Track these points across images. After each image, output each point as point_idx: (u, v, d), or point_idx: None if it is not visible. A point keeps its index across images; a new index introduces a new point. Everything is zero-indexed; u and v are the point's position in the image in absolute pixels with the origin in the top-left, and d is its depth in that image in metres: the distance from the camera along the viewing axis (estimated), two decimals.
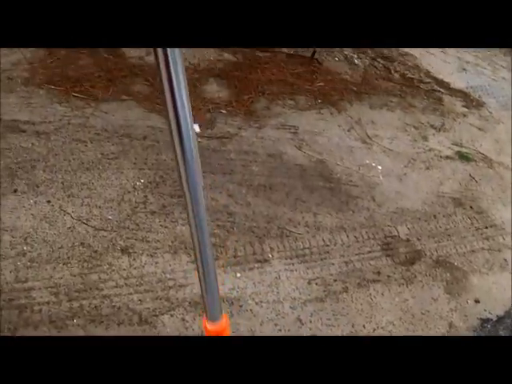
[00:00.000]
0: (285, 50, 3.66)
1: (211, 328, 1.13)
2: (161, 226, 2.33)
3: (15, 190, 2.40)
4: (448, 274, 2.40)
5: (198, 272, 1.04)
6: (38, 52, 3.29)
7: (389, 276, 2.32)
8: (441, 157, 3.13)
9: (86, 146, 2.64)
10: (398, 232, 2.54)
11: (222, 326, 1.13)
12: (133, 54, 3.36)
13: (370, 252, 2.41)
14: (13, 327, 1.93)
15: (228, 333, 1.17)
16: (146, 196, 2.44)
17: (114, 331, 1.89)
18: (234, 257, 2.27)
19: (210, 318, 1.11)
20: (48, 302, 2.01)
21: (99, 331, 1.93)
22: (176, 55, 0.77)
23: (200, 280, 1.05)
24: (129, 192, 2.44)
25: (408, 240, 2.51)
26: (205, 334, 1.16)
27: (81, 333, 1.93)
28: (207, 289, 1.06)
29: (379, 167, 2.90)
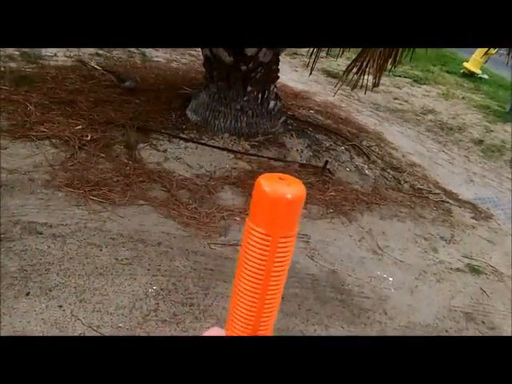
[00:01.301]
0: (298, 160, 3.78)
1: None
2: (171, 335, 2.31)
3: (28, 293, 2.41)
4: None
5: None
6: (59, 155, 3.42)
7: None
8: (451, 269, 3.14)
9: (100, 250, 2.68)
10: None
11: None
12: (151, 159, 3.48)
13: None
14: None
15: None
16: (157, 303, 2.44)
17: None
18: None
19: None
20: None
21: None
22: None
23: None
24: (141, 299, 2.45)
25: None
26: None
27: None
28: None
29: (390, 279, 2.90)
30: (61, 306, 2.37)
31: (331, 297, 2.67)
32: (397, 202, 3.64)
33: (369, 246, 3.11)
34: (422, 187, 3.94)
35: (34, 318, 2.31)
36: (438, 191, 3.95)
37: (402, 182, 3.92)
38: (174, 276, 2.59)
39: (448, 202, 3.86)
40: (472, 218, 3.77)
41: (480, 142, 5.60)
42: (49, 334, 2.23)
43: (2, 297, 2.38)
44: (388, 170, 4.02)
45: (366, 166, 3.97)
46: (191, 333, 2.33)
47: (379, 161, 4.12)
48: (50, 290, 2.43)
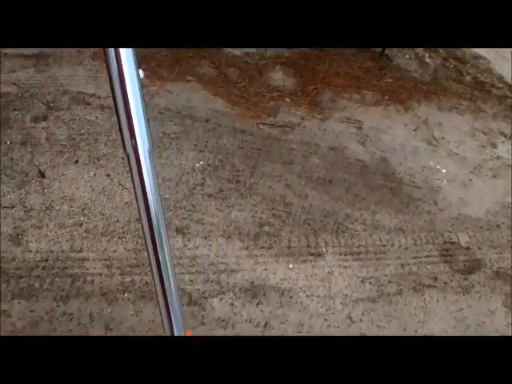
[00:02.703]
0: None
1: None
2: (217, 209, 2.31)
3: (76, 161, 2.42)
4: (507, 287, 2.29)
5: (154, 278, 0.95)
6: None
7: (445, 283, 2.23)
8: (508, 165, 2.99)
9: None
10: (458, 239, 2.44)
11: None
12: None
13: (427, 256, 2.32)
14: (65, 295, 1.95)
15: None
16: (204, 178, 2.42)
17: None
18: (288, 247, 2.22)
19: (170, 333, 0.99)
20: (100, 274, 2.02)
21: (149, 307, 1.93)
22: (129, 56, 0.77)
23: (156, 288, 0.96)
24: (187, 173, 2.43)
25: (468, 248, 2.41)
26: None
27: (130, 308, 1.93)
28: (167, 300, 0.97)
29: (444, 171, 2.79)
30: (108, 175, 2.38)
31: (380, 184, 2.60)
32: (457, 93, 3.43)
33: (424, 137, 2.97)
34: (485, 80, 3.69)
35: (83, 185, 2.33)
36: (502, 86, 3.70)
37: (464, 74, 3.68)
38: (221, 153, 2.55)
39: None
40: None
41: None
42: (97, 201, 2.26)
43: (52, 163, 2.40)
44: (450, 60, 3.76)
45: (426, 55, 3.73)
46: (236, 208, 2.32)
47: (441, 50, 3.86)
48: (98, 159, 2.44)
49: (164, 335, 1.02)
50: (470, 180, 2.79)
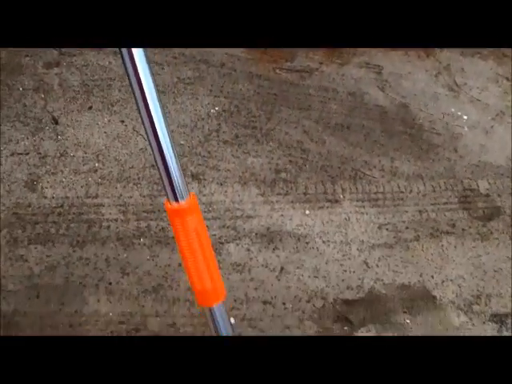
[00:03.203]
0: None
1: (174, 207, 0.96)
2: (232, 155, 2.28)
3: (90, 107, 2.40)
4: None
5: (150, 142, 0.93)
6: None
7: (464, 230, 2.20)
8: None
9: (162, 68, 2.59)
10: (477, 186, 2.39)
11: (189, 204, 0.96)
12: None
13: (446, 203, 2.28)
14: (81, 240, 1.96)
15: (198, 213, 0.98)
16: (219, 124, 2.39)
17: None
18: (304, 194, 2.20)
19: (172, 197, 0.95)
20: (116, 220, 2.02)
21: (165, 252, 1.93)
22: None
23: (155, 155, 0.93)
24: (202, 119, 2.40)
25: (488, 195, 2.37)
26: (168, 216, 0.98)
27: (147, 253, 1.93)
28: (166, 167, 0.93)
29: (465, 117, 2.72)
30: (123, 121, 2.35)
31: (400, 130, 2.54)
32: None
33: (445, 82, 2.89)
34: None
35: (97, 131, 2.31)
36: None
37: None
38: (237, 98, 2.50)
39: None
40: None
41: None
42: (111, 148, 2.24)
43: (66, 109, 2.38)
44: None
45: None
46: (252, 154, 2.29)
47: None
48: (112, 105, 2.41)
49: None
50: (492, 127, 2.72)
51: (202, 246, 0.93)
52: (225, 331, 0.99)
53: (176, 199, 0.94)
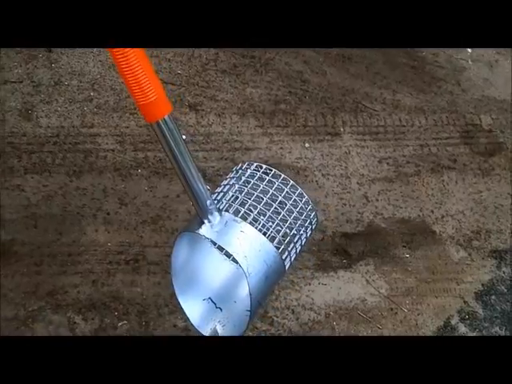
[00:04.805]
0: None
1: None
2: (230, 86, 2.22)
3: None
4: None
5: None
6: None
7: (465, 165, 2.18)
8: None
9: None
10: (480, 121, 2.36)
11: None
12: None
13: (447, 138, 2.25)
14: (78, 170, 1.93)
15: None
16: (217, 53, 2.31)
17: (178, 186, 1.86)
18: (304, 126, 2.16)
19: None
20: (113, 150, 1.99)
21: (163, 183, 1.91)
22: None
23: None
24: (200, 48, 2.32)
25: (490, 131, 2.33)
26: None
27: (144, 183, 1.91)
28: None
29: (469, 50, 2.65)
30: None
31: (402, 62, 2.47)
32: None
33: None
34: None
35: (92, 60, 2.25)
36: None
37: None
38: None
39: None
40: None
41: None
42: (107, 76, 2.18)
43: None
44: None
45: None
46: (251, 85, 2.23)
47: None
48: None
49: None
50: (496, 61, 2.66)
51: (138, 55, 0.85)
52: (176, 147, 0.96)
53: None
